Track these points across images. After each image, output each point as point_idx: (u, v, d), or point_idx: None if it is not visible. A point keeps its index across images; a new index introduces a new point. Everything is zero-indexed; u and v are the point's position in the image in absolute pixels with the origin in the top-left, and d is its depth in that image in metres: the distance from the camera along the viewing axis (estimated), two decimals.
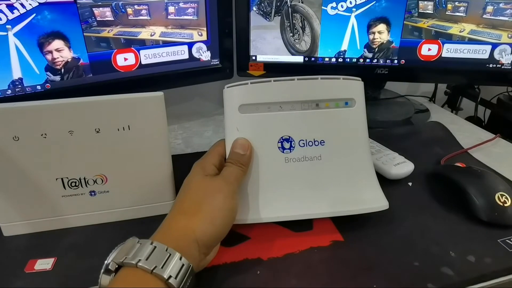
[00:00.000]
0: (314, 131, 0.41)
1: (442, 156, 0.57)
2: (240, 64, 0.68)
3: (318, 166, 0.41)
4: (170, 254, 0.30)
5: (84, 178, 0.40)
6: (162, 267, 0.29)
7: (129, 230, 0.42)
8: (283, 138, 0.40)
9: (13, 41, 0.50)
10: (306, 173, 0.41)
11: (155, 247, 0.30)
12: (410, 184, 0.51)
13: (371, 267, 0.38)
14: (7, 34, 0.49)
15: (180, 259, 0.30)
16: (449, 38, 0.63)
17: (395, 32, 0.64)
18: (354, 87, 0.42)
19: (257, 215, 0.40)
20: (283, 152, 0.41)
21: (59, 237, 0.41)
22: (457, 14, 0.61)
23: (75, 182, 0.40)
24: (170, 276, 0.29)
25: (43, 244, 0.40)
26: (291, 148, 0.41)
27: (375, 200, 0.43)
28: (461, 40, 0.62)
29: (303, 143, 0.41)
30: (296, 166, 0.41)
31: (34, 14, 0.50)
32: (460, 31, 0.62)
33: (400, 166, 0.51)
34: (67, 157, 0.39)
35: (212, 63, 0.66)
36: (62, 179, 0.39)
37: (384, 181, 0.50)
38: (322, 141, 0.41)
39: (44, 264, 0.38)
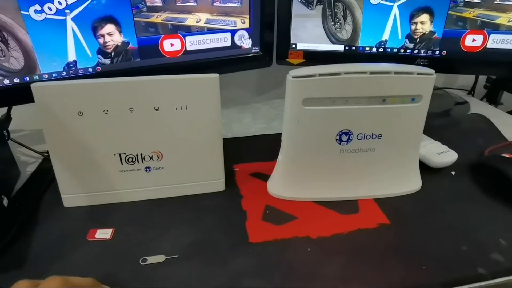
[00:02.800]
0: (374, 126, 0.41)
1: (485, 147, 0.56)
2: (280, 52, 0.69)
3: (370, 156, 0.43)
4: None
5: (141, 154, 0.42)
6: None
7: (180, 205, 0.44)
8: (343, 131, 0.41)
9: (70, 25, 0.52)
10: (358, 162, 0.43)
11: None
12: (453, 173, 0.51)
13: (419, 250, 0.38)
14: (65, 19, 0.51)
15: None
16: (496, 28, 0.61)
17: (438, 22, 0.63)
18: (425, 83, 0.40)
19: (308, 194, 0.44)
20: (339, 144, 0.41)
21: (114, 210, 0.43)
22: (507, 3, 0.59)
23: (132, 158, 0.42)
24: None
25: (100, 216, 0.42)
26: (349, 141, 0.41)
27: (413, 183, 0.46)
28: (509, 30, 0.61)
29: (361, 137, 0.41)
30: (349, 156, 0.42)
31: None
32: (508, 21, 0.60)
33: (444, 155, 0.51)
34: (126, 133, 0.41)
35: (252, 50, 0.67)
36: (120, 154, 0.41)
37: (427, 169, 0.50)
38: (380, 135, 0.41)
39: (103, 234, 0.40)
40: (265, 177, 0.49)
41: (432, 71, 0.40)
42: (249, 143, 0.59)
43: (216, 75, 0.41)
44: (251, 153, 0.55)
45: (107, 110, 0.39)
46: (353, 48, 0.67)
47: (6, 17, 0.48)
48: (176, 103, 0.40)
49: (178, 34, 0.60)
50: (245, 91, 0.83)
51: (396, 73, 0.39)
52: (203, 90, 0.40)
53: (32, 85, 0.37)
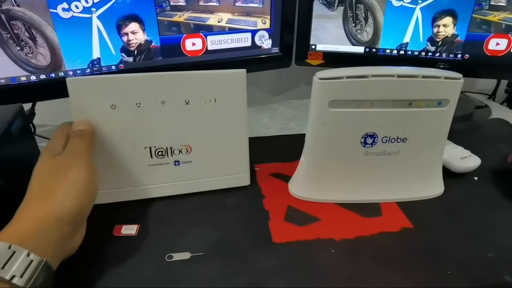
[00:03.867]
0: (399, 129, 0.41)
1: (507, 153, 0.55)
2: (299, 53, 0.69)
3: (394, 160, 0.43)
4: (14, 252, 0.28)
5: (171, 148, 0.42)
6: (3, 268, 0.27)
7: (203, 203, 0.44)
8: (368, 134, 0.41)
9: (96, 23, 0.53)
10: (381, 165, 0.43)
11: None
12: (475, 178, 0.50)
13: (443, 255, 0.38)
14: (91, 17, 0.52)
15: (28, 255, 0.28)
16: None
17: (461, 25, 0.63)
18: (452, 88, 0.40)
19: (330, 196, 0.44)
20: (364, 146, 0.41)
21: (138, 207, 0.44)
22: None
23: (162, 152, 0.42)
24: (13, 276, 0.27)
25: (125, 212, 0.43)
26: (373, 143, 0.41)
27: (436, 188, 0.46)
28: None
29: (386, 140, 0.41)
30: (373, 159, 0.42)
31: None
32: None
33: (467, 160, 0.50)
34: (157, 126, 0.41)
35: (272, 51, 0.67)
36: (150, 148, 0.42)
37: (449, 174, 0.49)
38: (404, 139, 0.41)
39: (129, 229, 0.40)
40: (285, 177, 0.49)
41: (459, 75, 0.40)
42: (268, 143, 0.60)
43: (244, 70, 0.42)
44: (270, 154, 0.55)
45: (139, 103, 0.40)
46: (373, 50, 0.67)
47: (35, 15, 0.49)
48: (206, 97, 0.41)
49: (200, 33, 0.61)
50: (262, 91, 0.83)
51: (423, 77, 0.39)
52: (231, 84, 0.42)
53: (67, 79, 0.38)
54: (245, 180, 0.46)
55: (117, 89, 0.39)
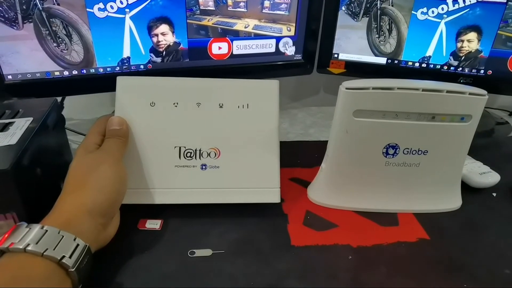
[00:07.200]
0: (421, 142, 0.42)
1: None
2: (321, 61, 0.70)
3: (414, 171, 0.43)
4: (63, 236, 0.30)
5: (200, 150, 0.43)
6: (54, 249, 0.29)
7: (225, 204, 0.44)
8: (390, 145, 0.41)
9: (128, 23, 0.55)
10: (401, 176, 0.43)
11: (46, 230, 0.30)
12: (494, 194, 0.50)
13: (460, 268, 0.38)
14: (124, 17, 0.54)
15: (74, 240, 0.30)
16: None
17: (486, 41, 0.63)
18: (476, 104, 0.41)
19: (349, 203, 0.45)
20: (385, 157, 0.42)
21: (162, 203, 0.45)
22: None
23: (190, 153, 0.43)
24: (63, 256, 0.29)
25: (151, 206, 0.43)
26: (395, 154, 0.42)
27: (453, 201, 0.46)
28: None
29: (407, 151, 0.42)
30: (393, 170, 0.43)
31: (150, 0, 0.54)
32: None
33: (486, 176, 0.51)
34: (190, 127, 0.43)
35: (295, 58, 0.68)
36: (180, 147, 0.43)
37: (467, 189, 0.50)
38: (425, 151, 0.42)
39: (153, 224, 0.42)
40: (304, 182, 0.50)
41: (484, 91, 0.41)
42: (287, 148, 0.59)
43: (276, 80, 0.45)
44: (290, 158, 0.56)
45: (177, 103, 0.43)
46: (396, 61, 0.68)
47: (73, 14, 0.51)
48: (239, 102, 0.43)
49: (227, 38, 0.62)
50: (282, 96, 0.84)
51: (448, 91, 0.39)
52: (264, 93, 0.44)
53: (118, 77, 0.43)
54: (275, 196, 0.43)
55: (159, 89, 0.42)
